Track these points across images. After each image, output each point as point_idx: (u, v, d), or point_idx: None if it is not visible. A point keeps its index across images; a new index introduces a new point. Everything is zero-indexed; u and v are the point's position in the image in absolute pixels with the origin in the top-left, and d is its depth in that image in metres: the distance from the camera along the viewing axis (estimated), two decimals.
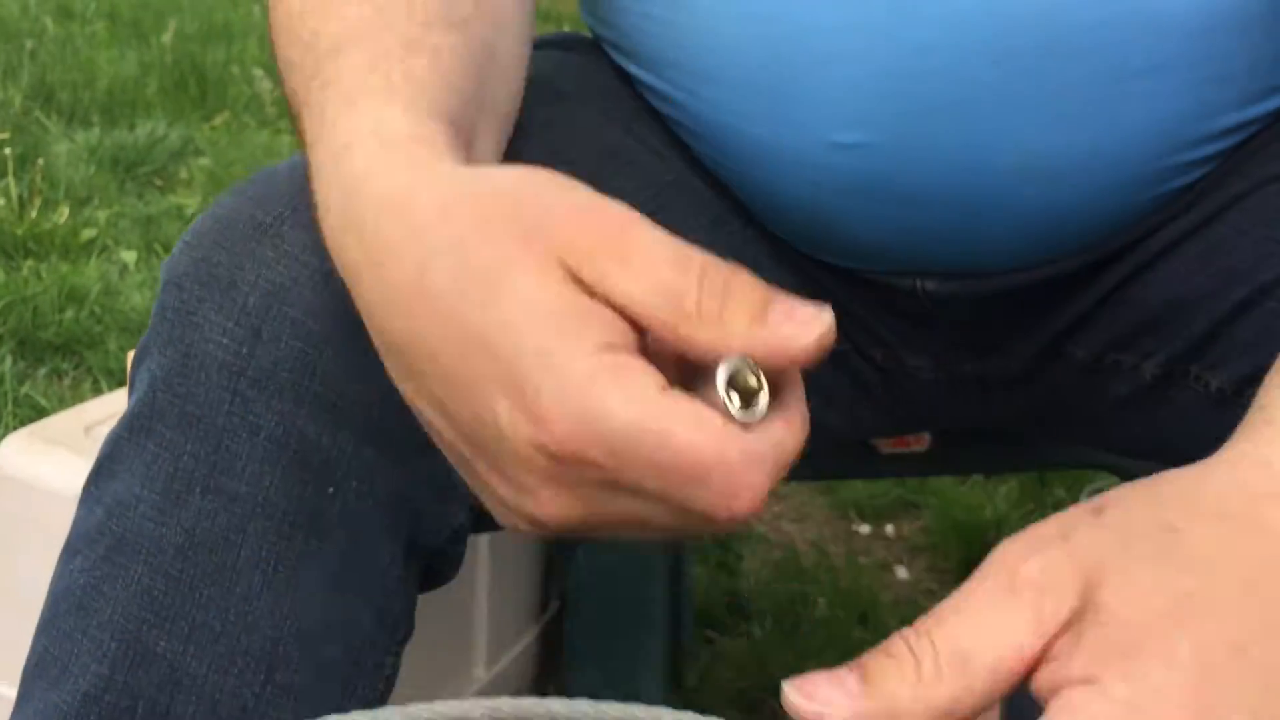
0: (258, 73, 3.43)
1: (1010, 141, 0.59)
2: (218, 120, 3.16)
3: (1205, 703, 0.31)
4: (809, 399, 0.41)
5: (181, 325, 0.49)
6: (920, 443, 0.93)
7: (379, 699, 0.52)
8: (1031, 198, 0.60)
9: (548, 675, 1.09)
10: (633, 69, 0.68)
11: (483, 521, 0.49)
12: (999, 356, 0.71)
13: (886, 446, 0.93)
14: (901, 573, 1.46)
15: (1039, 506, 1.51)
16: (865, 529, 1.56)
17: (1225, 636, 0.32)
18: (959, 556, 1.43)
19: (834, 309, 0.37)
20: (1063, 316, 0.69)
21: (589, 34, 0.75)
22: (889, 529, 1.56)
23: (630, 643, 0.99)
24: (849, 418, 0.74)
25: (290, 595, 0.49)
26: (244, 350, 0.48)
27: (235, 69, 3.49)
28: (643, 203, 0.39)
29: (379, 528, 0.50)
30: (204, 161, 2.79)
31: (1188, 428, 0.64)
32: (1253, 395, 0.43)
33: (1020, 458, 0.96)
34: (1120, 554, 0.33)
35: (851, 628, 1.22)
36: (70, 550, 0.51)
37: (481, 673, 1.01)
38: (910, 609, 1.34)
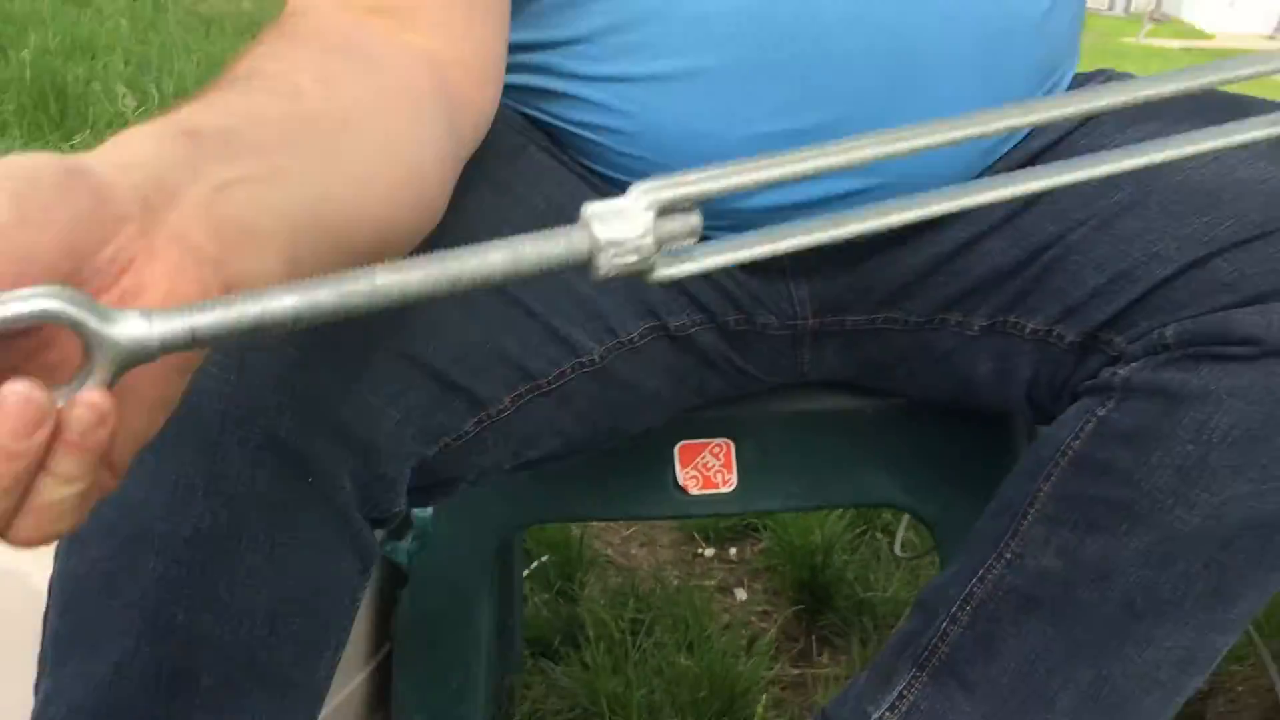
0: (121, 90, 3.38)
1: (869, 122, 0.69)
2: (77, 139, 3.11)
3: None
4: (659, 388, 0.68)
5: None
6: (727, 484, 1.00)
7: (350, 622, 0.66)
8: (881, 167, 0.74)
9: (380, 716, 1.13)
10: (530, 99, 0.80)
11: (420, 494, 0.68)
12: (843, 312, 0.84)
13: (695, 488, 0.99)
14: (740, 594, 1.52)
15: (869, 527, 1.59)
16: (709, 552, 1.62)
17: None
18: (793, 577, 1.50)
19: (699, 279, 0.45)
20: (897, 279, 0.82)
21: None
22: (732, 552, 1.62)
23: (456, 680, 1.02)
24: (697, 389, 0.87)
25: (285, 563, 0.60)
26: (231, 378, 0.58)
27: (98, 85, 3.43)
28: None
29: (349, 497, 0.62)
30: None
31: (999, 370, 0.82)
32: (1062, 334, 0.74)
33: (815, 498, 1.03)
34: None
35: (679, 653, 1.28)
36: (78, 543, 0.60)
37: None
38: (744, 630, 1.41)
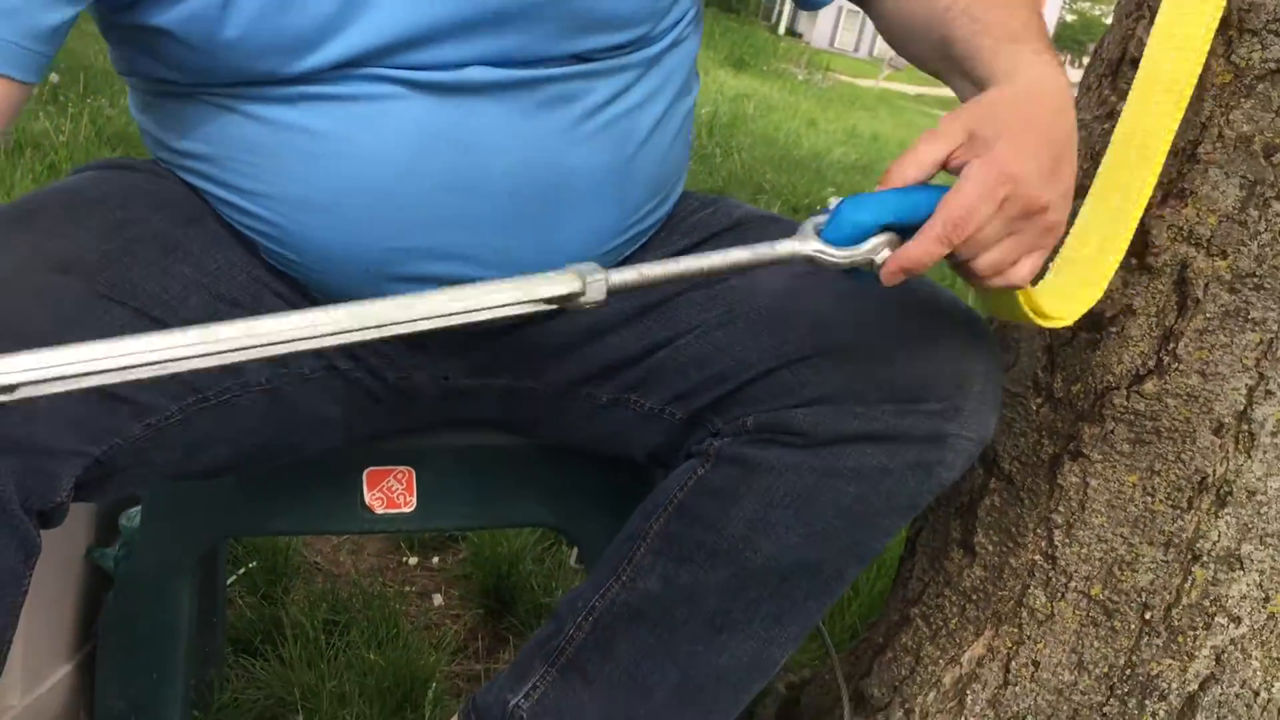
0: None
1: (495, 242, 0.89)
2: None
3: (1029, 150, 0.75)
4: (333, 414, 0.91)
5: None
6: (408, 505, 1.16)
7: (18, 608, 0.74)
8: (513, 274, 0.91)
9: (84, 707, 1.23)
10: (210, 187, 0.91)
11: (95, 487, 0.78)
12: (489, 376, 1.01)
13: (380, 507, 1.14)
14: (437, 599, 1.68)
15: (556, 541, 1.78)
16: (413, 560, 1.77)
17: (1040, 132, 0.77)
18: (485, 584, 1.67)
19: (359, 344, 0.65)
20: (534, 355, 1.00)
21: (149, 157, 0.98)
22: (434, 560, 1.78)
23: (155, 672, 1.13)
24: (365, 423, 1.01)
25: None
26: None
27: None
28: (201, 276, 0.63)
29: (9, 494, 0.70)
30: None
31: (626, 431, 1.01)
32: (674, 412, 0.96)
33: (483, 519, 1.20)
34: (984, 111, 0.77)
35: (369, 650, 1.42)
36: None
37: (15, 701, 1.13)
38: (434, 633, 1.57)
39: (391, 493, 1.13)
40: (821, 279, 0.92)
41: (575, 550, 1.70)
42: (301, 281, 0.93)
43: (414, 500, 1.13)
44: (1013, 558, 1.07)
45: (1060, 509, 1.04)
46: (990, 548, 1.09)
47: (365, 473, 1.11)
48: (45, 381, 0.51)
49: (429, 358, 0.99)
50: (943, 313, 0.93)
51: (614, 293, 0.67)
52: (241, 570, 1.57)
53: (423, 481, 1.12)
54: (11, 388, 0.51)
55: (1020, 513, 1.06)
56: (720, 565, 0.92)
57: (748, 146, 6.39)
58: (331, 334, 0.60)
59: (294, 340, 0.59)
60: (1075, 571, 1.03)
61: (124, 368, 0.54)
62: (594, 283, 0.67)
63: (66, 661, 1.21)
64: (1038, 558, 1.05)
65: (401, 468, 1.12)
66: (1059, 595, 1.04)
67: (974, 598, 1.10)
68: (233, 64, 0.83)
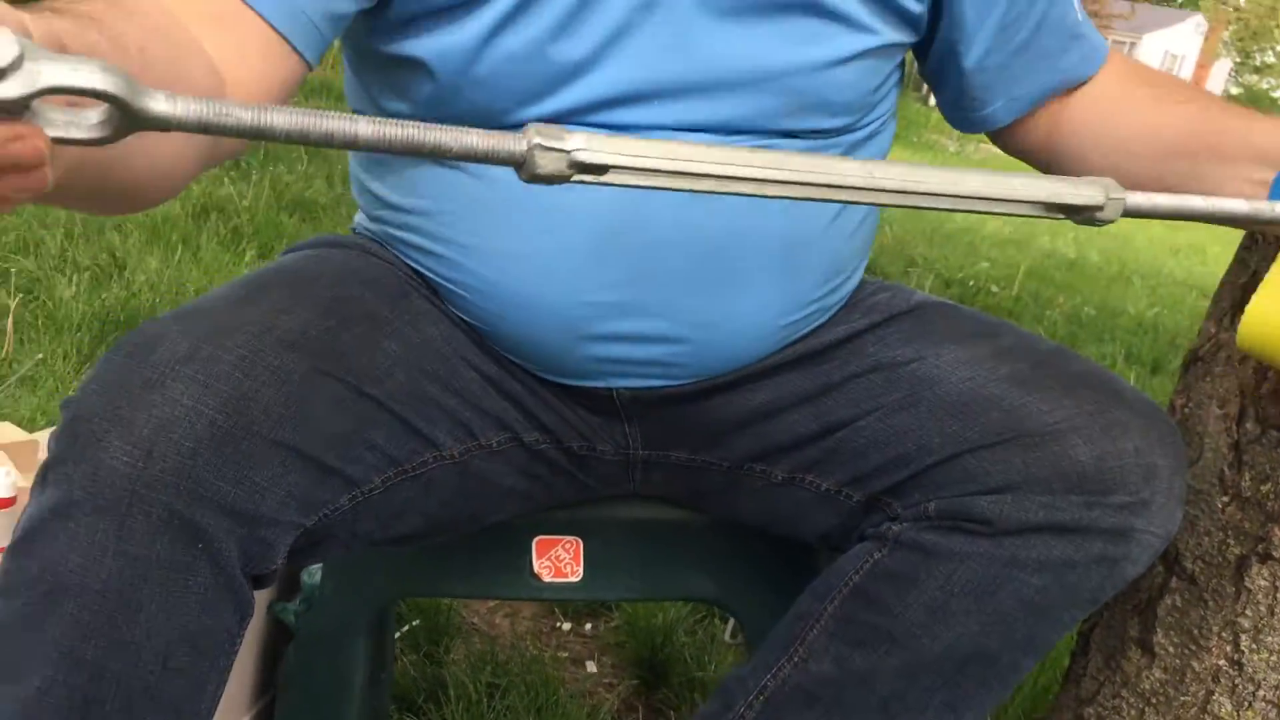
0: None
1: (686, 301, 0.94)
2: None
3: None
4: (516, 485, 0.95)
5: (92, 448, 0.73)
6: (575, 574, 1.18)
7: (229, 667, 0.79)
8: (696, 337, 0.95)
9: None
10: (414, 254, 0.98)
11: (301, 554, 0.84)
12: (667, 449, 1.04)
13: (548, 576, 1.17)
14: (590, 666, 1.70)
15: (709, 614, 1.79)
16: (567, 626, 1.79)
17: None
18: (638, 654, 1.68)
19: (549, 412, 0.83)
20: (712, 430, 1.02)
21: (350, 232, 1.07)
22: (587, 627, 1.80)
23: None
24: (544, 494, 1.05)
25: (177, 612, 0.74)
26: (140, 465, 0.72)
27: None
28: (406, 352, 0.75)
29: (233, 561, 0.76)
30: None
31: (799, 511, 1.02)
32: (850, 494, 0.97)
33: (648, 592, 1.21)
34: None
35: (529, 715, 1.44)
36: (4, 594, 0.74)
37: None
38: (589, 700, 1.58)
39: (559, 562, 1.15)
40: (1003, 368, 0.93)
41: (731, 624, 1.70)
42: (498, 344, 0.97)
43: (581, 570, 1.15)
44: (1195, 661, 1.03)
45: (1248, 613, 1.00)
46: (1171, 649, 1.05)
47: (535, 541, 1.13)
48: (634, 170, 0.57)
49: (615, 428, 1.02)
50: (1128, 404, 0.91)
51: (1127, 214, 0.68)
52: (405, 628, 1.61)
53: (590, 552, 1.14)
54: (604, 168, 0.56)
55: (1204, 614, 1.03)
56: (896, 651, 0.91)
57: (899, 219, 6.36)
58: (889, 190, 0.62)
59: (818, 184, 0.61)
60: (1264, 680, 0.99)
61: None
62: (1113, 201, 0.67)
63: (246, 712, 1.26)
64: (1223, 663, 1.01)
65: (570, 538, 1.15)
66: (1246, 704, 1.00)
67: (1154, 701, 1.06)
68: (470, 101, 0.90)
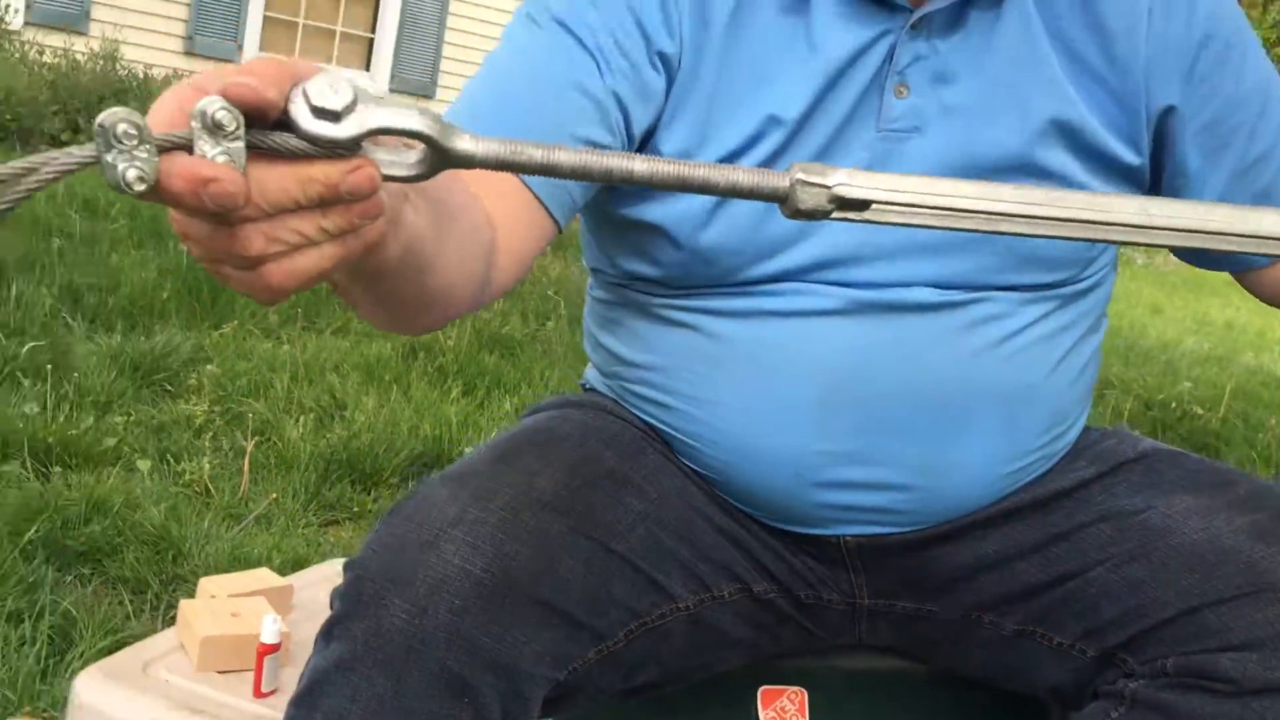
0: None
1: (912, 449, 0.97)
2: (226, 328, 3.45)
3: None
4: (744, 636, 0.97)
5: (373, 606, 0.80)
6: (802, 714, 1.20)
7: None
8: (921, 485, 0.98)
9: None
10: (647, 407, 1.04)
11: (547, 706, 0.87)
12: (893, 598, 1.04)
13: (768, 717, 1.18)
14: None
15: None
16: None
17: None
18: None
19: (778, 561, 0.90)
20: (938, 579, 1.03)
21: (580, 390, 1.15)
22: None
23: None
24: (771, 644, 1.07)
25: None
26: (415, 621, 0.79)
27: None
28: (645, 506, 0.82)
29: (495, 714, 0.81)
30: (211, 369, 3.07)
31: (1030, 665, 1.01)
32: (1084, 649, 0.96)
33: None
34: None
35: None
36: None
37: None
38: None
39: (784, 713, 1.17)
40: (1240, 518, 0.92)
41: None
42: (728, 493, 1.02)
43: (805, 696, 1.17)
44: None
45: None
46: None
47: (760, 691, 1.15)
48: (896, 206, 0.56)
49: (842, 577, 1.04)
50: None
51: None
52: None
53: (815, 704, 1.15)
54: (865, 204, 0.56)
55: None
56: None
57: None
58: (1168, 229, 0.56)
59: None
60: None
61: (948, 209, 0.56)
62: None
63: None
64: None
65: (795, 688, 1.16)
66: None
67: None
68: (704, 260, 0.96)
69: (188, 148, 0.49)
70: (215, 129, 0.49)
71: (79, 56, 7.21)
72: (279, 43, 8.56)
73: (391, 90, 8.94)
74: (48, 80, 6.74)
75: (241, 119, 0.49)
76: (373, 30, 8.97)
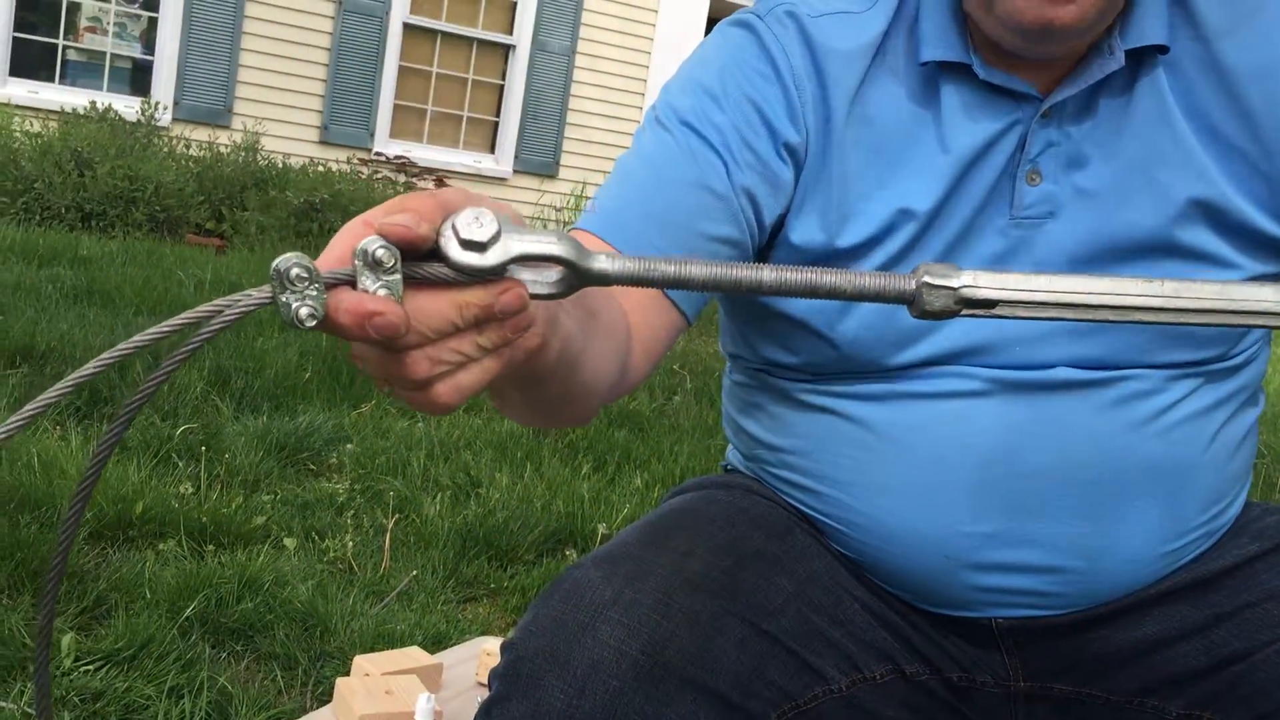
0: None
1: (1065, 530, 0.96)
2: (364, 408, 3.55)
3: None
4: (898, 718, 0.93)
5: (532, 686, 0.81)
6: None
7: None
8: (1076, 566, 0.96)
9: None
10: (792, 491, 1.05)
11: None
12: (1050, 680, 1.03)
13: None
14: None
15: None
16: None
17: None
18: None
19: (928, 643, 0.89)
20: (1097, 661, 1.01)
21: (724, 470, 1.16)
22: None
23: None
24: None
25: None
26: (574, 702, 0.80)
27: None
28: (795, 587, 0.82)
29: None
30: (351, 447, 3.16)
31: None
32: None
33: None
34: None
35: None
36: None
37: None
38: None
39: None
40: None
41: None
42: (876, 575, 1.01)
43: None
44: None
45: None
46: None
47: None
48: (1022, 304, 0.57)
49: (995, 659, 1.03)
50: None
51: None
52: None
53: None
54: (992, 303, 0.58)
55: None
56: None
57: None
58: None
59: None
60: None
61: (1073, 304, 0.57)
62: None
63: None
64: None
65: None
66: None
67: None
68: (843, 351, 0.97)
69: (351, 283, 0.54)
70: (375, 265, 0.54)
71: (222, 149, 7.59)
72: (408, 129, 8.89)
73: (515, 171, 9.18)
74: (194, 172, 7.11)
75: (398, 254, 0.54)
76: (497, 114, 9.24)
